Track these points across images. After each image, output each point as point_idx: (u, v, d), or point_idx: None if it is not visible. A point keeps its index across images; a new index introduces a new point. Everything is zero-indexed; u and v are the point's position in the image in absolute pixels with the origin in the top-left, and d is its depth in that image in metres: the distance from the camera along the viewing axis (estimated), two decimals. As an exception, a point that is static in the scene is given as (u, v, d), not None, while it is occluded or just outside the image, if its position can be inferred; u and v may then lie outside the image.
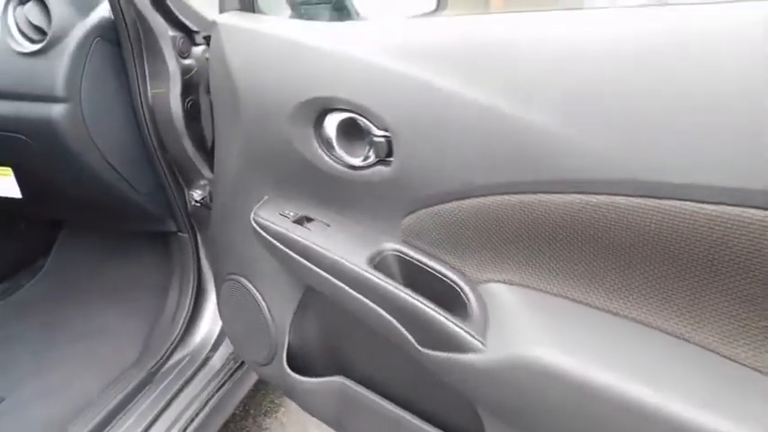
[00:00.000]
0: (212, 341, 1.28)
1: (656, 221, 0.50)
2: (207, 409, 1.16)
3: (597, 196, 0.53)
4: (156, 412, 1.09)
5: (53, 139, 1.00)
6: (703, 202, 0.47)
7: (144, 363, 1.17)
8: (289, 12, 0.90)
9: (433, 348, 0.64)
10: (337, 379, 0.88)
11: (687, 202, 0.48)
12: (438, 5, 0.95)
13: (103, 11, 1.00)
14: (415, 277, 0.70)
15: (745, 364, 0.50)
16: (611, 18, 0.54)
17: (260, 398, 1.66)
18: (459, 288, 0.66)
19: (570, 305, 0.59)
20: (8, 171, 1.14)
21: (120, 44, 1.01)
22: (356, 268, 0.70)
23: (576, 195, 0.54)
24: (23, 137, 1.03)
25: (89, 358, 1.28)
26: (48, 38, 0.95)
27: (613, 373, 0.53)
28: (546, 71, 0.54)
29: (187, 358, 1.23)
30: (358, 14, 0.88)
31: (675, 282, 0.52)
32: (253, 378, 1.33)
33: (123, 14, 0.97)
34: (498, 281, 0.65)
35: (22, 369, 1.25)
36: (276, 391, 1.69)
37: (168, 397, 1.13)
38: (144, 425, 1.06)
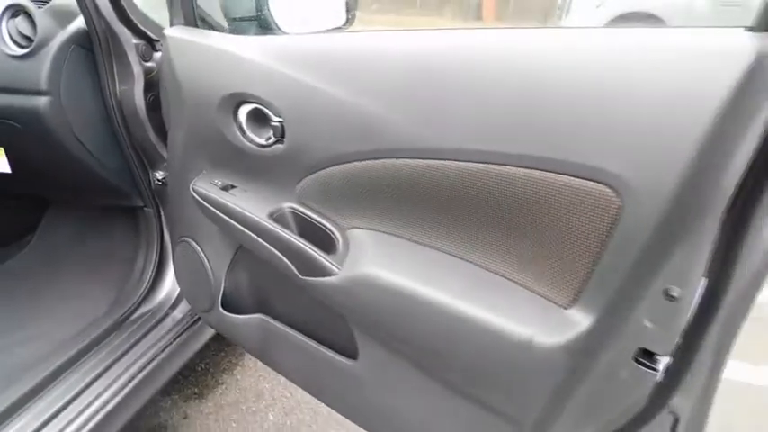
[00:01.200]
0: (172, 300, 1.50)
1: (443, 176, 0.74)
2: (165, 354, 1.38)
3: (408, 160, 0.76)
4: (120, 352, 1.31)
5: (38, 125, 1.23)
6: (462, 161, 0.70)
7: (112, 314, 1.40)
8: (226, 25, 1.14)
9: (308, 275, 0.88)
10: (258, 315, 1.12)
11: (456, 162, 0.71)
12: (347, 21, 1.19)
13: (79, 23, 1.24)
14: (305, 227, 0.94)
15: (492, 271, 0.75)
16: (422, 37, 0.78)
17: (219, 359, 1.88)
18: (332, 233, 0.90)
19: (399, 240, 0.84)
20: (0, 151, 1.37)
21: (93, 50, 1.25)
22: (260, 220, 0.94)
23: (396, 160, 0.78)
24: (14, 123, 1.26)
25: (66, 316, 1.50)
26: (33, 44, 1.19)
27: (417, 283, 0.77)
28: (379, 75, 0.78)
29: (150, 312, 1.46)
30: (279, 28, 1.12)
31: (456, 219, 0.76)
32: (207, 333, 1.55)
33: (95, 26, 1.21)
34: (358, 227, 0.89)
35: (7, 323, 1.48)
36: (235, 353, 1.92)
37: (132, 341, 1.35)
38: (109, 361, 1.28)
